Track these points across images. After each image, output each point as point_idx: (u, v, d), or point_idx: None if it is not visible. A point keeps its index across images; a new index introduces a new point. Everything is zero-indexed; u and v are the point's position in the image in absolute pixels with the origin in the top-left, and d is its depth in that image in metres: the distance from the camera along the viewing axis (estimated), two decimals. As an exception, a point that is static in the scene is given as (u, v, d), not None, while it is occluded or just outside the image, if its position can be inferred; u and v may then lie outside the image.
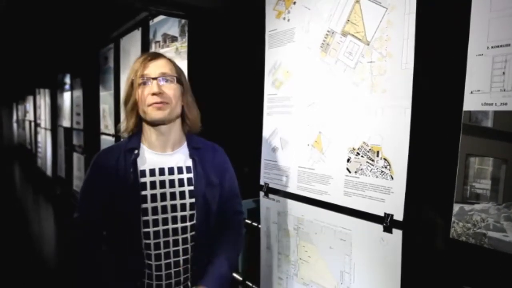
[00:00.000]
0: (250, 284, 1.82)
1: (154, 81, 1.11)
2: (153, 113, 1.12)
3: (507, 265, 0.89)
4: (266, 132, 1.66)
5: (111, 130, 3.48)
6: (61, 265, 3.73)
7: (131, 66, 1.17)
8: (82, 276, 1.17)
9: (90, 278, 1.16)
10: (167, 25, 2.37)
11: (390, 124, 1.13)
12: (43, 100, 7.78)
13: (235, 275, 1.87)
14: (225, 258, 1.20)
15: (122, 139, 1.24)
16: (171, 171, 1.18)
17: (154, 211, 1.13)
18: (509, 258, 0.87)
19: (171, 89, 1.13)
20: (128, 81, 1.16)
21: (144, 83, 1.12)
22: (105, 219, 1.15)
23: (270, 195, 1.65)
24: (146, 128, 1.19)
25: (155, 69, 1.13)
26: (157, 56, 1.17)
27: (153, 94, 1.10)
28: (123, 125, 1.21)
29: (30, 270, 3.58)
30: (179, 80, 1.17)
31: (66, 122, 5.63)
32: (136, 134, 1.20)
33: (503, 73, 0.87)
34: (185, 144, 1.25)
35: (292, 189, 1.53)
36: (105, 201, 1.13)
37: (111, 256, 1.15)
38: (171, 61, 1.20)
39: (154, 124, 1.16)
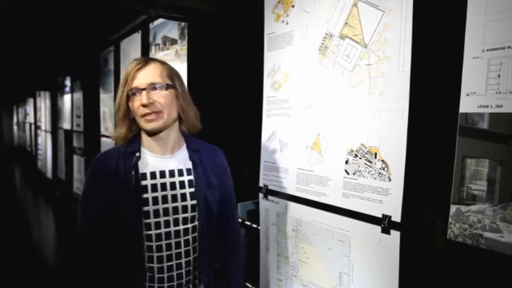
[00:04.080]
0: (250, 286, 1.83)
1: (144, 92, 1.10)
2: (146, 125, 1.13)
3: (503, 266, 0.89)
4: (265, 134, 1.67)
5: (111, 132, 3.48)
6: (61, 267, 3.73)
7: (123, 75, 1.15)
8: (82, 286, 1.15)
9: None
10: (167, 28, 2.38)
11: (387, 126, 1.14)
12: (44, 103, 7.79)
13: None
14: (235, 283, 1.28)
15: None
16: (171, 173, 1.18)
17: (156, 213, 1.13)
18: (505, 258, 0.87)
19: (162, 97, 1.12)
20: (120, 92, 1.15)
21: (134, 94, 1.12)
22: (106, 224, 1.13)
23: (269, 197, 1.66)
24: (145, 133, 1.19)
25: (144, 79, 1.11)
26: (147, 62, 1.15)
27: (143, 105, 1.10)
28: (116, 133, 1.21)
29: (31, 272, 3.59)
30: (171, 86, 1.15)
31: (66, 124, 5.63)
32: (135, 138, 1.21)
33: (498, 75, 0.88)
34: (184, 146, 1.25)
35: (291, 190, 1.53)
36: (106, 207, 1.12)
37: (113, 262, 1.14)
38: (162, 64, 1.18)
39: (150, 134, 1.16)
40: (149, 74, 1.12)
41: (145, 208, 1.12)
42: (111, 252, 1.14)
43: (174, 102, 1.16)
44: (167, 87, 1.14)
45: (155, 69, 1.14)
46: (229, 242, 1.34)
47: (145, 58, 1.19)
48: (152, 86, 1.11)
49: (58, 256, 4.13)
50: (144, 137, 1.19)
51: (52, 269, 3.73)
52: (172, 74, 1.19)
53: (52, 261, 4.02)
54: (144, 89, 1.10)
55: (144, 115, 1.11)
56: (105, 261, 1.13)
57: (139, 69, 1.13)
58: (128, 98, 1.14)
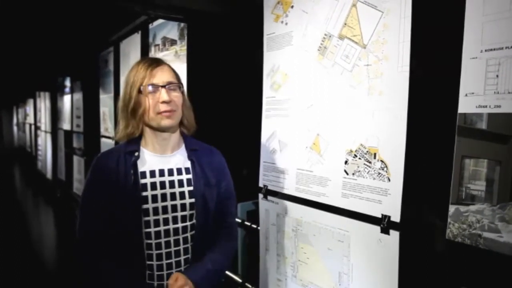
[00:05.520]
0: (250, 286, 1.83)
1: (163, 90, 1.14)
2: (163, 121, 1.14)
3: (502, 266, 0.90)
4: (264, 134, 1.67)
5: (111, 133, 3.49)
6: (61, 267, 3.73)
7: (133, 72, 1.17)
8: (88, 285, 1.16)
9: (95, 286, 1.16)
10: (167, 29, 2.38)
11: (386, 126, 1.14)
12: (43, 103, 7.80)
13: (234, 276, 1.88)
14: (209, 259, 1.20)
15: (120, 143, 1.25)
16: (170, 172, 1.21)
17: (155, 211, 1.15)
18: (504, 258, 0.87)
19: (177, 97, 1.17)
20: (134, 88, 1.14)
21: (151, 91, 1.13)
22: (107, 222, 1.15)
23: (269, 197, 1.66)
24: (149, 132, 1.20)
25: (163, 77, 1.15)
26: (159, 63, 1.19)
27: (164, 102, 1.13)
28: (123, 131, 1.19)
29: (30, 272, 3.59)
30: (182, 87, 1.21)
31: (66, 125, 5.64)
32: (135, 137, 1.22)
33: (497, 76, 0.88)
34: (183, 146, 1.27)
35: (290, 191, 1.54)
36: (106, 205, 1.14)
37: (114, 259, 1.15)
38: (171, 67, 1.23)
39: (160, 130, 1.18)
40: (166, 74, 1.17)
41: (145, 206, 1.14)
42: (111, 249, 1.15)
43: (181, 103, 1.21)
44: (181, 87, 1.19)
45: (169, 70, 1.20)
46: (224, 235, 1.30)
47: (156, 58, 1.24)
48: (171, 85, 1.16)
49: (58, 257, 4.13)
50: (147, 136, 1.21)
51: (52, 270, 3.73)
52: (178, 77, 1.24)
53: (52, 261, 4.02)
54: (163, 86, 1.14)
55: (162, 112, 1.14)
56: (105, 257, 1.15)
57: (154, 67, 1.16)
58: (144, 95, 1.14)
